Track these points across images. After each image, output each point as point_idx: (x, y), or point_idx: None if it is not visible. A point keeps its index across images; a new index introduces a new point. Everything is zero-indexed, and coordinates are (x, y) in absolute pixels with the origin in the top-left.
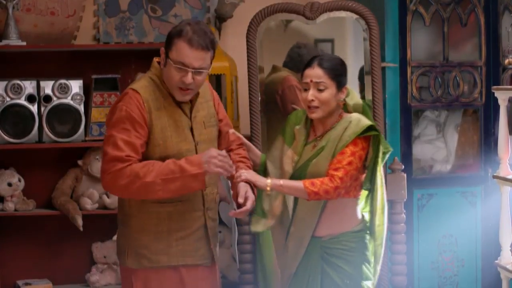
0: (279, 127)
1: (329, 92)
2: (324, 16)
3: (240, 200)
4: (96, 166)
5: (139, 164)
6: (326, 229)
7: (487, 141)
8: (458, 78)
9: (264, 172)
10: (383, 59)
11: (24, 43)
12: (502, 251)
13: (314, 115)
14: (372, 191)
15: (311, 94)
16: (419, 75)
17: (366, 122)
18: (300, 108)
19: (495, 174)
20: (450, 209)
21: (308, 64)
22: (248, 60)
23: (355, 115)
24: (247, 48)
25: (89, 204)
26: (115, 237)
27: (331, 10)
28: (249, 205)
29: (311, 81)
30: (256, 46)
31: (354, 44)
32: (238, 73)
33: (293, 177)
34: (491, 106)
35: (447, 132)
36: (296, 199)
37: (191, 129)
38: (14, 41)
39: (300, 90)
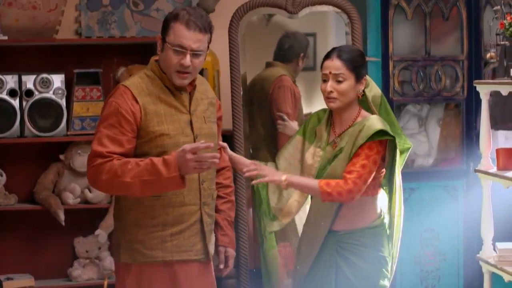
0: (263, 123)
1: (348, 83)
2: (306, 10)
3: (221, 266)
4: (78, 160)
5: (119, 162)
6: (342, 224)
7: (469, 135)
8: (440, 72)
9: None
10: (365, 53)
11: (6, 37)
12: (483, 245)
13: (333, 105)
14: (390, 192)
15: (330, 85)
16: (401, 69)
17: (377, 126)
18: (286, 116)
19: (477, 168)
20: (432, 203)
21: (327, 56)
22: (230, 54)
23: (372, 118)
24: (229, 42)
25: (71, 199)
26: (97, 232)
27: (313, 4)
28: (231, 264)
29: (330, 72)
30: (238, 40)
31: (336, 38)
32: (220, 68)
33: (318, 173)
34: (473, 100)
35: (429, 126)
36: (311, 199)
37: (190, 122)
38: None
39: (292, 92)
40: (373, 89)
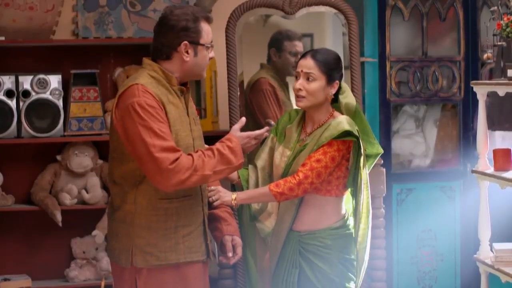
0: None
1: (318, 83)
2: (303, 10)
3: (229, 254)
4: (75, 161)
5: (190, 156)
6: (305, 224)
7: (466, 135)
8: (437, 73)
9: (247, 181)
10: (362, 54)
11: (3, 38)
12: (481, 245)
13: (300, 104)
14: (355, 193)
15: (300, 83)
16: (398, 70)
17: (344, 126)
18: (274, 122)
19: (474, 169)
20: (429, 204)
21: (303, 55)
22: (227, 55)
23: (340, 118)
24: (226, 43)
25: (68, 200)
26: (94, 232)
27: (310, 5)
28: (239, 252)
29: (302, 70)
30: (235, 41)
31: (333, 39)
32: (217, 68)
33: (284, 172)
34: (470, 100)
35: (426, 127)
36: None
37: (189, 124)
38: None
39: (271, 94)
40: (348, 97)
